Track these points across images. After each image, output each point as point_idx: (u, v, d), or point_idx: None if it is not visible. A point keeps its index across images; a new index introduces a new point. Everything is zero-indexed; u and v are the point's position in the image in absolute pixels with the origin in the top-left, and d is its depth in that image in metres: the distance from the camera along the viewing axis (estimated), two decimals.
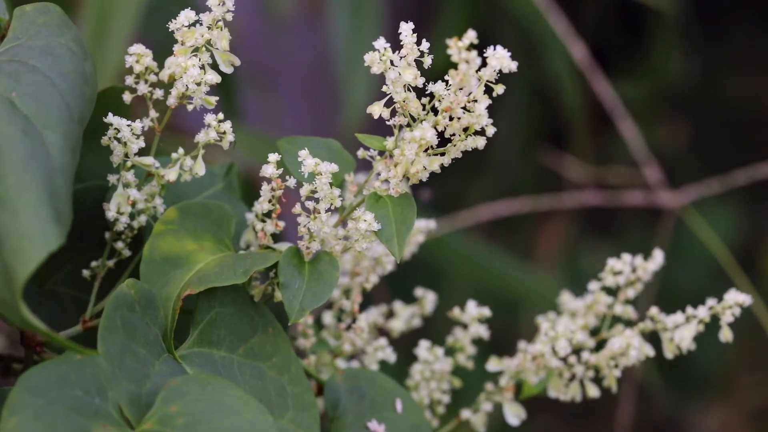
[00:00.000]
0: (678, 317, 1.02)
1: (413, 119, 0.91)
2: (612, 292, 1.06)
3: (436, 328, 1.26)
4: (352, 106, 2.01)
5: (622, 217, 2.84)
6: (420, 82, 0.89)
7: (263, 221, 0.94)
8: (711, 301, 1.01)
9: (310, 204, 0.91)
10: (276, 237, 0.95)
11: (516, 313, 2.37)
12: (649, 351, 1.03)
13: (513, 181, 2.57)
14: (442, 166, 0.91)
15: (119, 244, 0.96)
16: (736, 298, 1.00)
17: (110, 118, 0.92)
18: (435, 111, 0.90)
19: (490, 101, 0.89)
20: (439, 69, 0.90)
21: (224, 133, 0.93)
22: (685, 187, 1.84)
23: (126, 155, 0.93)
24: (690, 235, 2.02)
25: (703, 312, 1.01)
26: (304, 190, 0.91)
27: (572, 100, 2.32)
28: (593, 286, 1.05)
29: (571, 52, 1.84)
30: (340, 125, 2.05)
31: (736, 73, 3.00)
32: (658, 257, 1.05)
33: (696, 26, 2.81)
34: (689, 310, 1.02)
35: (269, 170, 0.92)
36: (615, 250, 1.09)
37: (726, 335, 1.01)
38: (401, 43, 0.89)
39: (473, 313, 1.06)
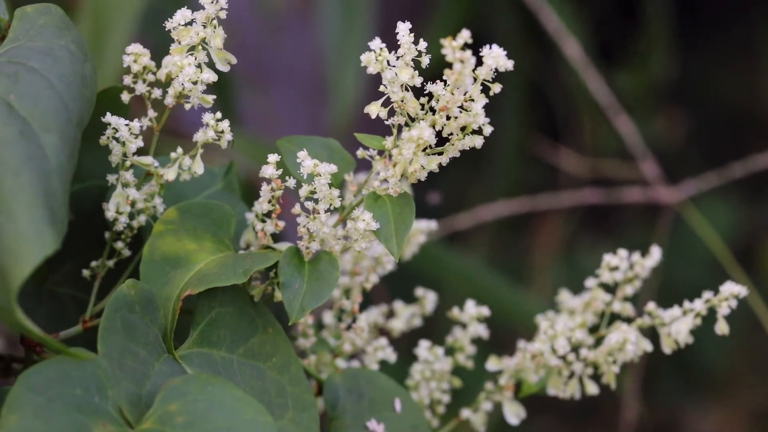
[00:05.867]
0: (675, 311, 1.02)
1: (411, 119, 0.91)
2: (610, 289, 1.06)
3: (436, 328, 1.26)
4: (341, 102, 2.01)
5: (620, 214, 2.84)
6: (418, 81, 0.89)
7: (263, 221, 0.94)
8: (707, 294, 1.01)
9: (309, 204, 0.91)
10: (276, 237, 0.95)
11: (512, 324, 2.37)
12: (647, 346, 1.03)
13: (511, 180, 2.57)
14: (440, 166, 0.91)
15: (119, 244, 0.96)
16: (732, 290, 1.00)
17: (108, 117, 0.92)
18: (433, 110, 0.90)
19: (486, 100, 0.89)
20: (437, 63, 0.90)
21: (222, 132, 0.93)
22: (683, 182, 1.84)
23: (124, 155, 0.93)
24: (690, 231, 2.02)
25: (699, 305, 1.01)
26: (304, 191, 0.91)
27: (578, 93, 2.32)
28: (590, 282, 1.05)
29: (563, 49, 1.84)
30: (329, 121, 2.05)
31: (733, 69, 3.00)
32: (655, 254, 1.05)
33: (693, 23, 2.81)
34: (686, 303, 1.02)
35: (269, 171, 0.92)
36: (614, 247, 1.09)
37: (722, 328, 1.01)
38: (398, 42, 0.89)
39: (472, 312, 1.06)
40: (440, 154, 0.91)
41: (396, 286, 1.48)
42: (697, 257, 2.63)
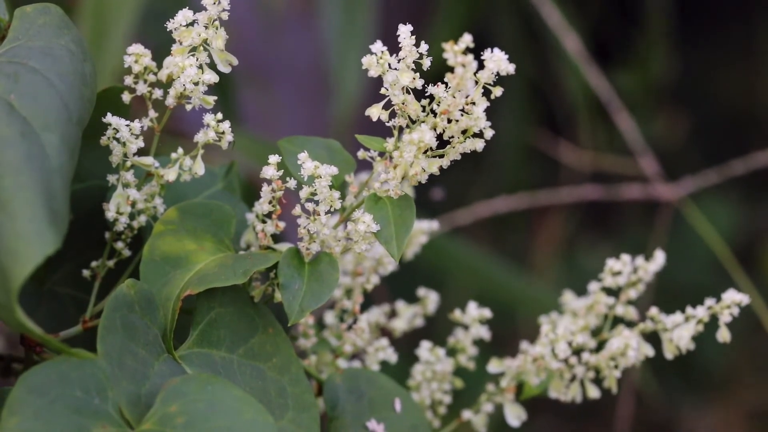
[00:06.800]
0: (677, 317, 1.02)
1: (412, 121, 0.91)
2: (613, 292, 1.06)
3: (438, 328, 1.26)
4: (343, 102, 2.01)
5: (620, 213, 2.84)
6: (419, 83, 0.89)
7: (263, 222, 0.94)
8: (709, 301, 1.01)
9: (309, 205, 0.91)
10: (276, 237, 0.95)
11: (514, 315, 2.37)
12: (649, 351, 1.03)
13: (512, 177, 2.57)
14: (440, 168, 0.91)
15: (119, 244, 0.96)
16: (734, 298, 1.00)
17: (109, 118, 0.92)
18: (434, 113, 0.90)
19: (488, 103, 0.88)
20: (438, 64, 0.89)
21: (223, 133, 0.93)
22: (682, 179, 1.84)
23: (125, 155, 0.93)
24: (689, 229, 2.02)
25: (701, 312, 1.01)
26: (304, 192, 0.91)
27: (578, 89, 2.32)
28: (593, 286, 1.05)
29: (564, 45, 1.83)
30: (330, 121, 2.05)
31: (733, 69, 3.00)
32: (659, 258, 1.05)
33: (693, 23, 2.80)
34: (688, 309, 1.02)
35: (269, 172, 0.92)
36: (613, 244, 1.09)
37: (724, 335, 1.01)
38: (399, 45, 0.89)
39: (474, 314, 1.06)
40: (441, 156, 0.91)
41: (398, 282, 1.48)
42: (697, 255, 2.63)
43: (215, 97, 0.93)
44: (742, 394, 2.75)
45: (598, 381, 1.03)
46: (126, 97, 0.93)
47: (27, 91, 0.83)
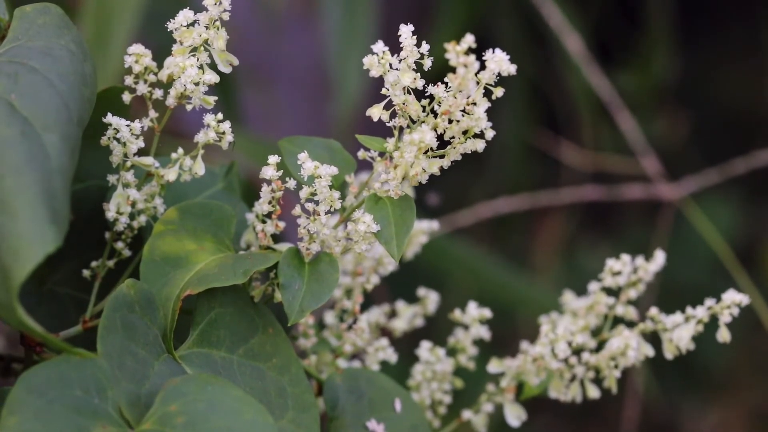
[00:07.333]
0: (677, 318, 1.02)
1: (413, 121, 0.91)
2: (613, 292, 1.06)
3: (438, 328, 1.26)
4: (344, 102, 2.02)
5: (621, 213, 2.84)
6: (420, 84, 0.89)
7: (263, 222, 0.94)
8: (709, 301, 1.01)
9: (309, 205, 0.91)
10: (276, 237, 0.95)
11: (514, 315, 2.37)
12: (649, 351, 1.03)
13: (512, 177, 2.57)
14: (441, 168, 0.91)
15: (119, 244, 0.96)
16: (734, 298, 1.00)
17: (109, 118, 0.92)
18: (435, 113, 0.90)
19: (489, 104, 0.88)
20: (439, 64, 0.89)
21: (223, 133, 0.93)
22: (683, 179, 1.84)
23: (125, 155, 0.93)
24: (690, 229, 2.02)
25: (701, 312, 1.01)
26: (304, 192, 0.91)
27: (579, 89, 2.32)
28: (593, 286, 1.05)
29: (565, 45, 1.84)
30: (332, 120, 2.05)
31: (734, 69, 3.00)
32: (659, 258, 1.05)
33: (694, 22, 2.80)
34: (688, 310, 1.02)
35: (269, 172, 0.92)
36: (614, 244, 1.09)
37: (724, 336, 1.01)
38: (400, 45, 0.89)
39: (474, 314, 1.06)
40: (441, 157, 0.91)
41: (398, 282, 1.48)
42: (698, 255, 2.63)
43: (216, 98, 0.93)
44: (743, 393, 2.75)
45: (598, 381, 1.03)
46: (126, 97, 0.94)
47: (27, 91, 0.83)
